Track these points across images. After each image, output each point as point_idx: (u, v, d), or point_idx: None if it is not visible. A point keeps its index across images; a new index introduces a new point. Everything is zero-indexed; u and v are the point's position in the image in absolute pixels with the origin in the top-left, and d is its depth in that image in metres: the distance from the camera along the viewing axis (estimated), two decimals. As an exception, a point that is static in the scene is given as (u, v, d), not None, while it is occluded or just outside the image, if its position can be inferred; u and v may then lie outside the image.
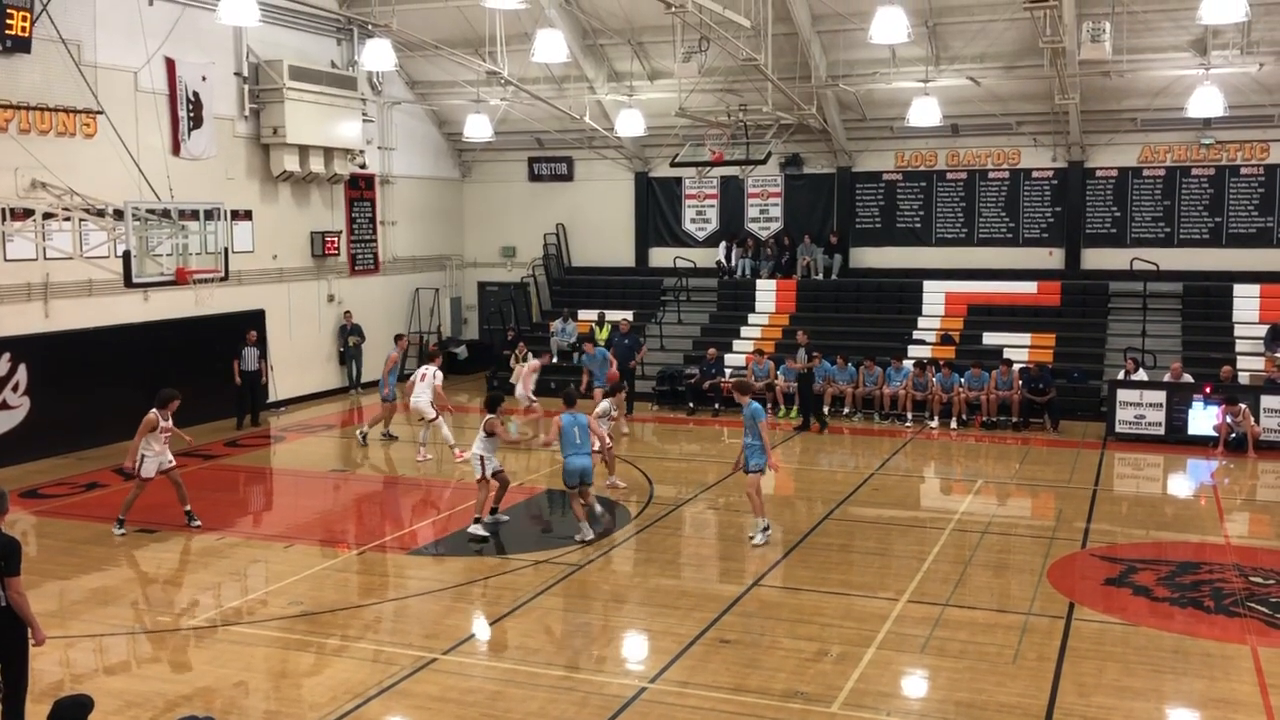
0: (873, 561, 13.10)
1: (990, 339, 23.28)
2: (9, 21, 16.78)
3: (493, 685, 9.48)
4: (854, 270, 26.28)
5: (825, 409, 21.63)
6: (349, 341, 25.11)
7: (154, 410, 13.90)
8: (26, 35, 17.03)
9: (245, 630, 10.78)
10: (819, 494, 16.10)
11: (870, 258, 26.41)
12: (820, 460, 19.04)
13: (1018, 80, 23.03)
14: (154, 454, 13.99)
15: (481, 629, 11.01)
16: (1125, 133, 24.03)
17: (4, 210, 17.26)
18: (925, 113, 22.49)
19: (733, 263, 26.84)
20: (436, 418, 18.28)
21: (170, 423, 14.03)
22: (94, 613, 11.29)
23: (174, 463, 14.36)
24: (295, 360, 23.46)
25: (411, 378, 19.26)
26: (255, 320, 22.20)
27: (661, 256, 28.09)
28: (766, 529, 13.51)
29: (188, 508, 14.37)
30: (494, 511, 14.24)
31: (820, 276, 25.95)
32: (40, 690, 8.41)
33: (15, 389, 17.85)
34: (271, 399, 22.61)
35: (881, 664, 9.78)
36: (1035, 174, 25.08)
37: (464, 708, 8.99)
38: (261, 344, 21.51)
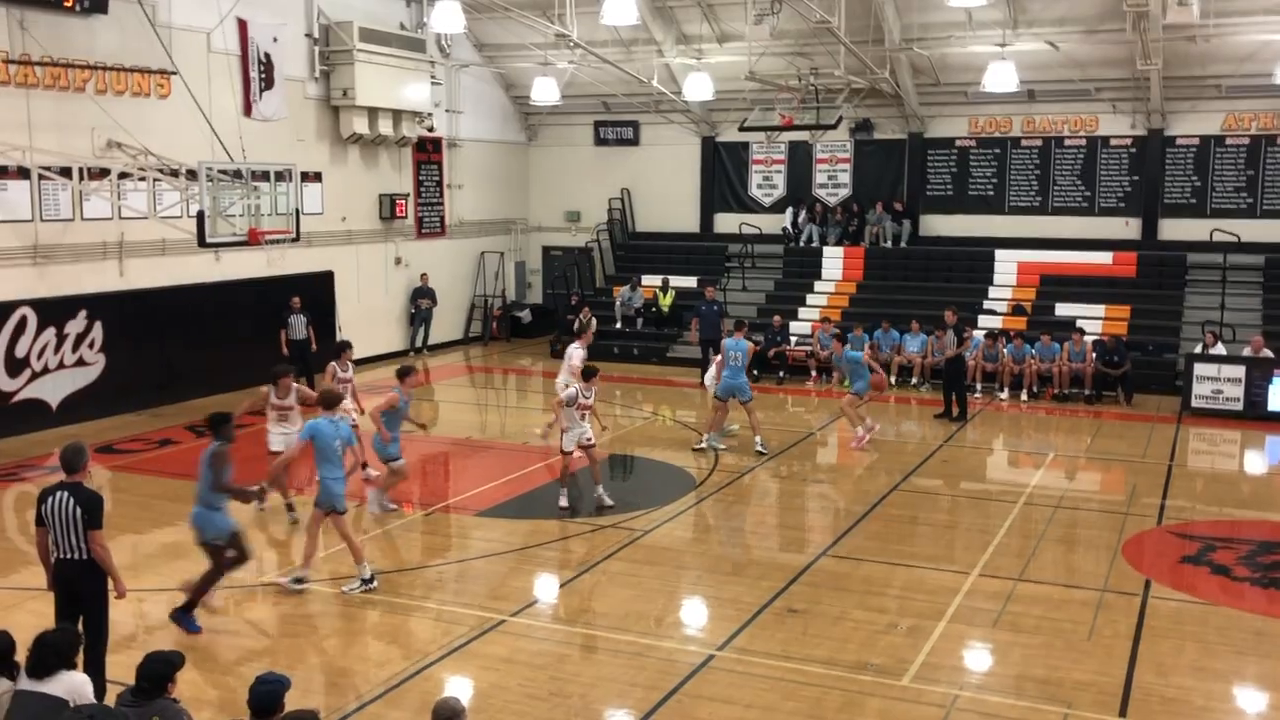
0: (942, 534, 12.94)
1: (1063, 310, 22.81)
2: (86, -19, 16.98)
3: (559, 648, 9.50)
4: (924, 238, 25.87)
5: (893, 379, 21.40)
6: (419, 304, 25.25)
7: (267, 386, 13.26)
8: (104, -4, 17.22)
9: (312, 587, 10.89)
10: (886, 465, 15.89)
11: (941, 225, 25.97)
12: (888, 431, 18.83)
13: (1098, 45, 22.39)
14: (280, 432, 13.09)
15: (548, 592, 11.04)
16: (1208, 99, 23.28)
17: (81, 170, 17.51)
18: (1001, 78, 21.94)
19: (799, 229, 26.54)
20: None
21: (288, 399, 13.13)
22: (167, 567, 11.48)
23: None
24: (362, 322, 23.63)
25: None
26: (324, 281, 22.40)
27: (727, 222, 27.84)
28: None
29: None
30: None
31: (889, 244, 25.58)
32: (115, 642, 8.55)
33: (92, 346, 18.17)
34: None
35: (953, 638, 9.65)
36: (1113, 141, 24.43)
37: (532, 670, 9.02)
38: (313, 310, 20.72)
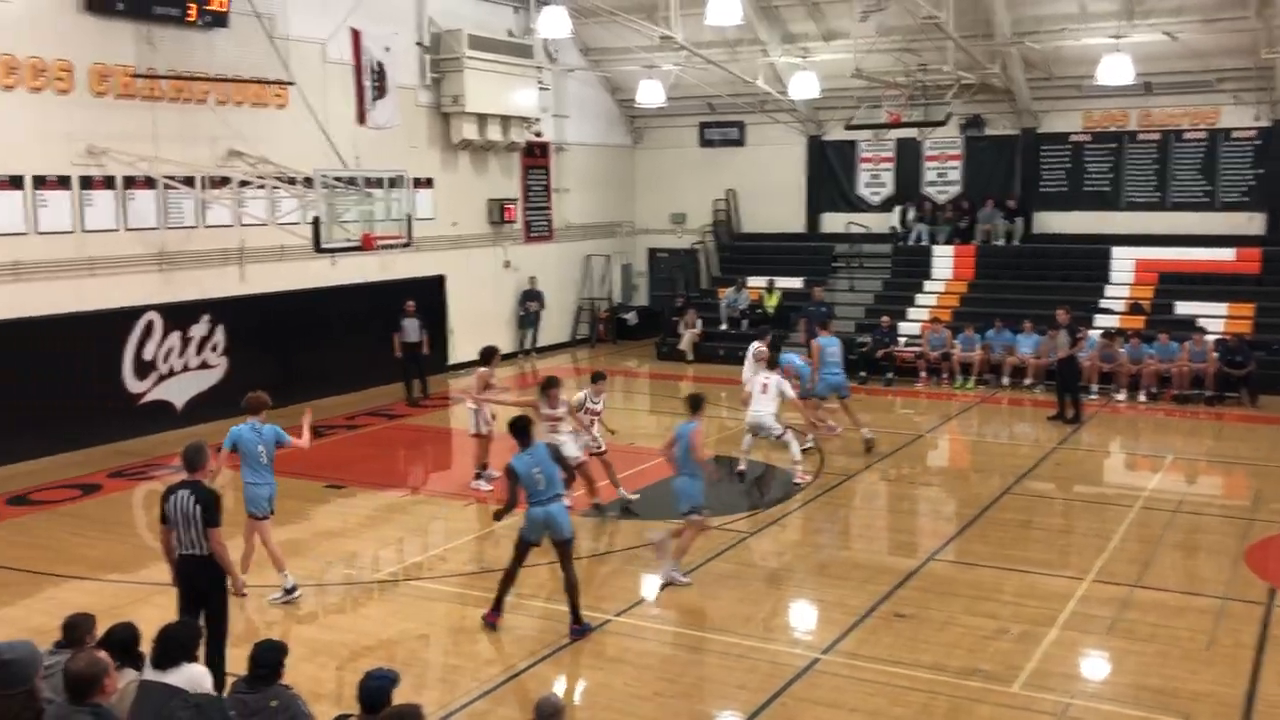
0: (1055, 539, 12.65)
1: (1183, 308, 22.07)
2: (208, -2, 17.61)
3: (664, 649, 9.55)
4: (1037, 236, 25.28)
5: (1005, 380, 21.00)
6: (528, 307, 25.59)
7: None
8: (225, 10, 17.84)
9: (426, 585, 11.14)
10: (998, 467, 15.59)
11: (1054, 222, 25.34)
12: (1000, 433, 18.49)
13: (1219, 34, 21.61)
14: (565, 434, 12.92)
15: (653, 593, 11.10)
16: (1340, 88, 22.36)
17: (203, 179, 18.16)
18: (1116, 70, 21.35)
19: (908, 228, 26.17)
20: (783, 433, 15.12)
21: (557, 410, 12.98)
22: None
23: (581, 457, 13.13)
24: (472, 325, 24.01)
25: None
26: (434, 285, 22.86)
27: (833, 222, 27.59)
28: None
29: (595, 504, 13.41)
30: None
31: (1001, 242, 25.06)
32: (235, 636, 8.84)
33: (215, 349, 18.85)
34: (451, 362, 23.26)
35: (1065, 644, 9.42)
36: (1235, 134, 23.55)
37: (638, 670, 9.09)
38: (424, 314, 20.90)
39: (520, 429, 9.96)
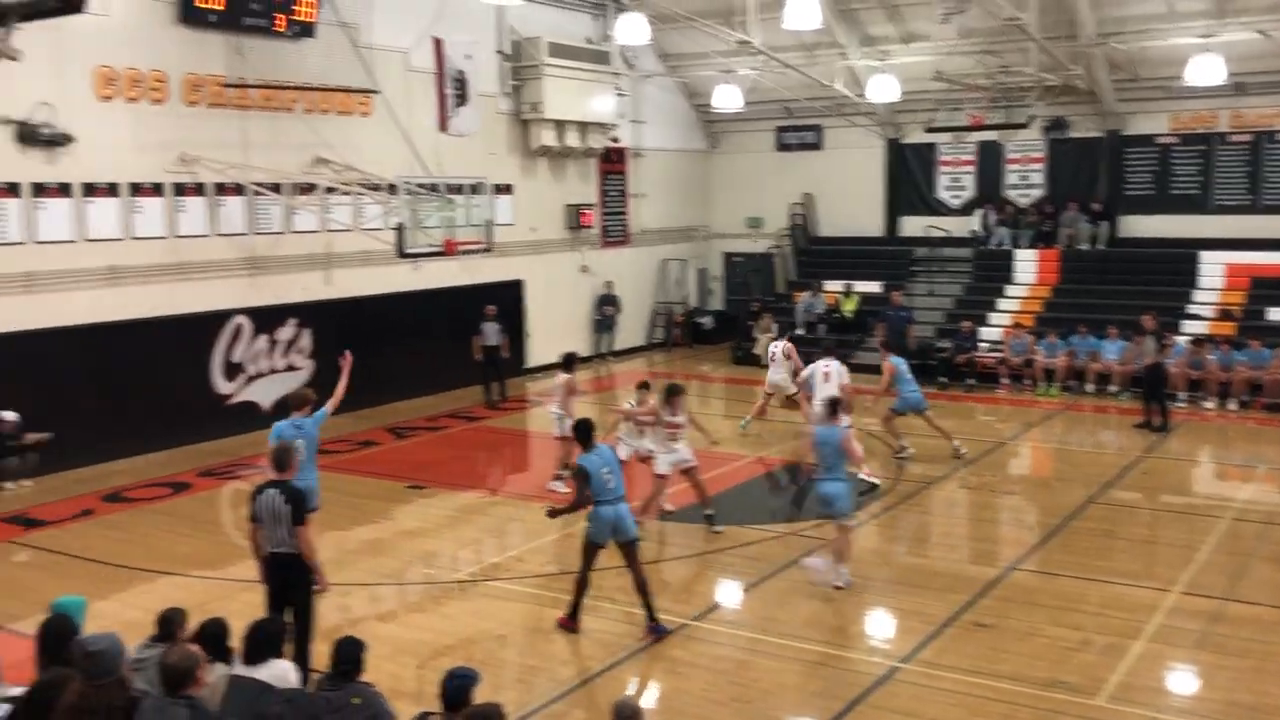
0: (1141, 549, 12.39)
1: (1276, 315, 21.44)
2: (295, 8, 17.99)
3: (741, 654, 9.54)
4: (1122, 240, 24.76)
5: (1089, 386, 20.63)
6: (605, 311, 25.73)
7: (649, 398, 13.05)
8: (312, 20, 18.22)
9: (504, 585, 11.27)
10: (1081, 476, 15.30)
11: (1140, 226, 24.79)
12: (1084, 441, 18.15)
13: (1317, 32, 21.01)
14: (664, 450, 12.77)
15: (731, 597, 11.10)
16: None
17: (290, 185, 18.57)
18: (1206, 70, 20.81)
19: (989, 231, 25.81)
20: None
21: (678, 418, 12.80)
22: (367, 563, 12.07)
23: (693, 461, 12.96)
24: (549, 328, 24.22)
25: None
26: (513, 290, 23.09)
27: (912, 225, 27.30)
28: None
29: (706, 510, 13.06)
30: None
31: (1085, 246, 24.60)
32: (319, 633, 9.02)
33: (300, 351, 19.25)
34: (529, 365, 23.47)
35: (1152, 658, 9.24)
36: (1333, 134, 22.90)
37: (714, 674, 9.10)
38: (503, 318, 21.07)
39: (584, 431, 10.08)
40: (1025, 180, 26.13)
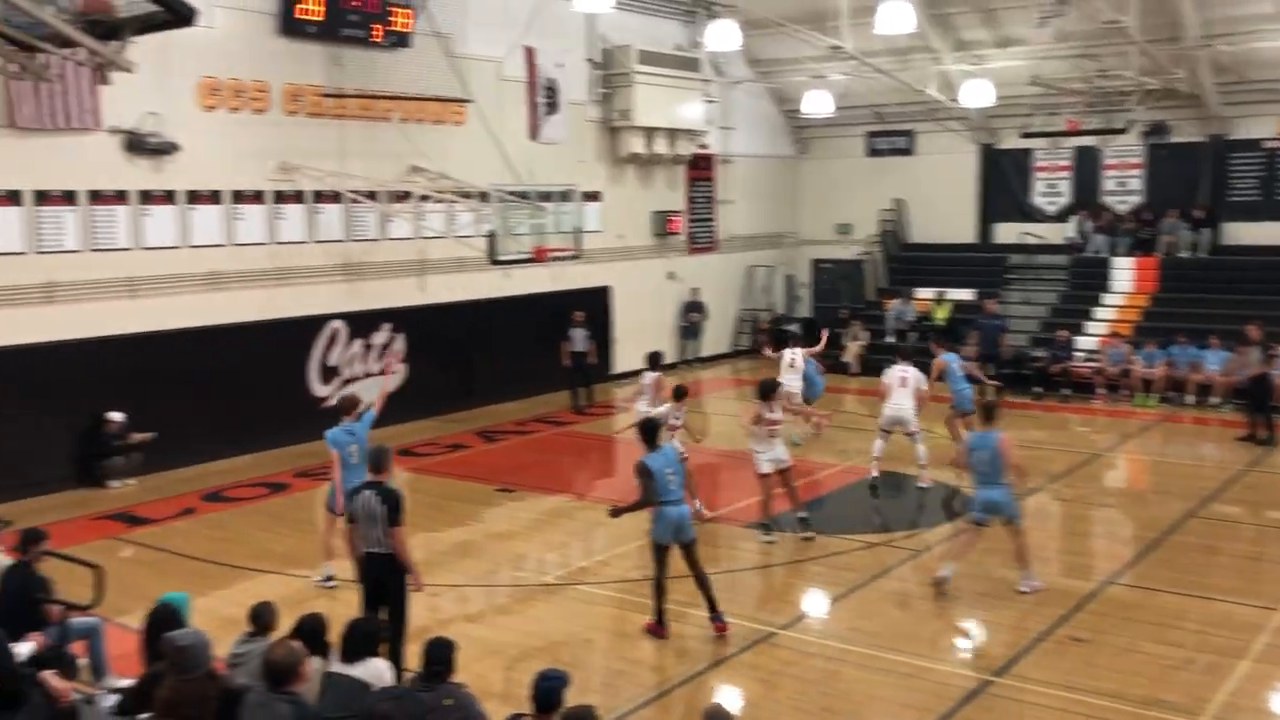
0: (1246, 566, 12.01)
1: (1390, 325, 20.67)
2: (392, 19, 18.35)
3: (830, 664, 9.47)
4: (1225, 247, 24.04)
5: (1189, 398, 20.06)
6: (691, 318, 25.75)
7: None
8: (408, 31, 18.56)
9: (591, 589, 11.34)
10: (1180, 489, 14.89)
11: (1245, 234, 24.04)
12: (1183, 453, 17.66)
13: None
14: (764, 450, 12.73)
15: (819, 607, 11.02)
16: None
17: (386, 193, 18.92)
18: (1318, 72, 20.18)
19: (1086, 238, 25.26)
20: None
21: (776, 414, 12.82)
22: (457, 564, 12.24)
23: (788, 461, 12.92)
24: (636, 335, 24.27)
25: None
26: (601, 296, 23.23)
27: (1006, 232, 26.81)
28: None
29: (799, 513, 12.97)
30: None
31: (1186, 254, 23.94)
32: (410, 634, 9.16)
33: (395, 356, 19.57)
34: (615, 371, 23.57)
35: (1259, 678, 8.95)
36: None
37: (802, 684, 9.04)
38: (590, 324, 21.21)
39: (649, 431, 10.21)
40: (1123, 186, 25.52)
